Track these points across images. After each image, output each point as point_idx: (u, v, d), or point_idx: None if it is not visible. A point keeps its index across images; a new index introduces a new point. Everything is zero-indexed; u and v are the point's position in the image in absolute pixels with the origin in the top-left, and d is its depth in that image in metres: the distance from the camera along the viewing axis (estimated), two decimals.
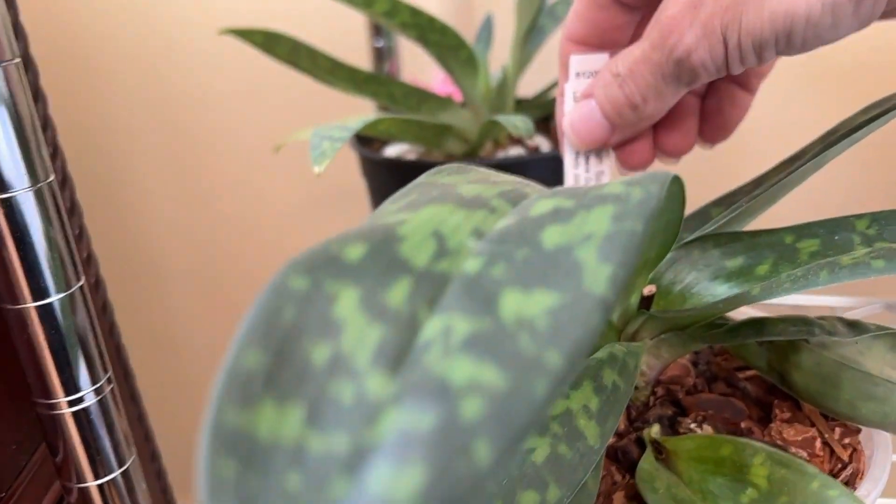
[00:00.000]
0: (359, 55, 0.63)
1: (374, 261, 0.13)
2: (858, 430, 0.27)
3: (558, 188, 0.17)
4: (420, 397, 0.11)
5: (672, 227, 0.23)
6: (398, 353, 0.12)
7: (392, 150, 0.51)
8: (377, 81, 0.46)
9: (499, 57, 0.53)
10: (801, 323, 0.25)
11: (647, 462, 0.24)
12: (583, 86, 0.32)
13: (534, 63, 0.52)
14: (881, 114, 0.28)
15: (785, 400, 0.28)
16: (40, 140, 0.26)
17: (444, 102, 0.49)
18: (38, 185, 0.26)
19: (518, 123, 0.41)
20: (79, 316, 0.26)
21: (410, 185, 0.18)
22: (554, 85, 0.54)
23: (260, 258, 0.76)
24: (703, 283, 0.26)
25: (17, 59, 0.25)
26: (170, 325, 0.79)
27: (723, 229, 0.27)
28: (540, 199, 0.16)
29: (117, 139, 0.72)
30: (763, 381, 0.29)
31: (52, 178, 0.26)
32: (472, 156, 0.48)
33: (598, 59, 0.32)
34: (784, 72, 0.62)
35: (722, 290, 0.26)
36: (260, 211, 0.73)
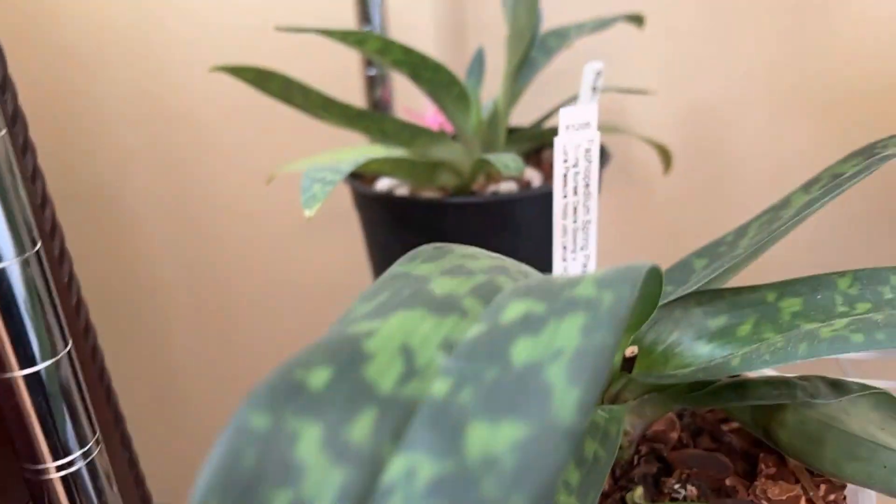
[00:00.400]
0: (352, 83, 0.63)
1: (340, 387, 0.14)
2: (843, 486, 0.27)
3: (532, 283, 0.17)
4: None
5: (651, 298, 0.23)
6: (361, 498, 0.12)
7: (384, 183, 0.51)
8: (369, 117, 0.46)
9: (491, 89, 0.53)
10: (783, 386, 0.25)
11: None
12: (573, 139, 0.32)
13: (527, 93, 0.52)
14: (863, 167, 0.28)
15: (770, 453, 0.29)
16: (25, 210, 0.26)
17: (435, 137, 0.49)
18: (25, 256, 0.26)
19: (509, 163, 0.41)
20: (66, 380, 0.26)
21: (385, 276, 0.19)
22: (547, 116, 0.54)
23: (257, 283, 0.76)
24: (686, 343, 0.26)
25: (3, 131, 0.25)
26: (163, 354, 0.80)
27: (705, 286, 0.27)
28: (512, 300, 0.16)
29: (109, 161, 0.72)
30: (748, 434, 0.30)
31: (38, 245, 0.27)
32: (464, 189, 0.48)
33: (589, 111, 0.32)
34: (775, 104, 0.62)
35: (705, 351, 0.26)
36: (255, 236, 0.73)
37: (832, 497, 0.27)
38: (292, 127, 0.68)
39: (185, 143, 0.71)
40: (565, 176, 0.32)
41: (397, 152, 0.49)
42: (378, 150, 0.50)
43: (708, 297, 0.27)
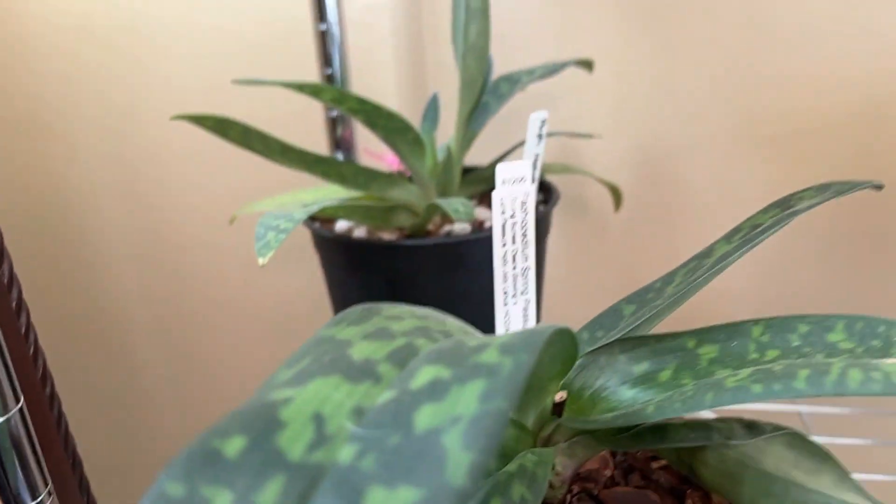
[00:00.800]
0: (317, 123, 0.65)
1: (252, 455, 0.15)
2: None
3: (445, 346, 0.19)
4: None
5: (568, 352, 0.24)
6: None
7: (342, 225, 0.52)
8: (326, 162, 0.48)
9: (448, 131, 0.55)
10: (700, 428, 0.27)
11: None
12: (509, 192, 0.34)
13: (482, 135, 0.54)
14: (779, 218, 0.30)
15: (697, 490, 0.30)
16: None
17: (392, 179, 0.50)
18: None
19: (458, 208, 0.43)
20: (17, 435, 0.27)
21: (311, 339, 0.20)
22: (502, 157, 0.56)
23: (223, 317, 0.77)
24: (612, 388, 0.28)
25: None
26: (125, 388, 0.80)
27: (630, 334, 0.29)
28: (423, 366, 0.18)
29: (75, 199, 0.73)
30: (677, 472, 0.31)
31: None
32: (420, 230, 0.50)
33: (523, 167, 0.34)
34: (724, 141, 0.64)
35: (629, 395, 0.28)
36: (221, 269, 0.74)
37: None
38: (257, 163, 0.69)
39: (152, 180, 0.72)
40: (503, 226, 0.33)
41: (355, 194, 0.51)
42: (337, 192, 0.52)
43: (632, 343, 0.29)
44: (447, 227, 0.51)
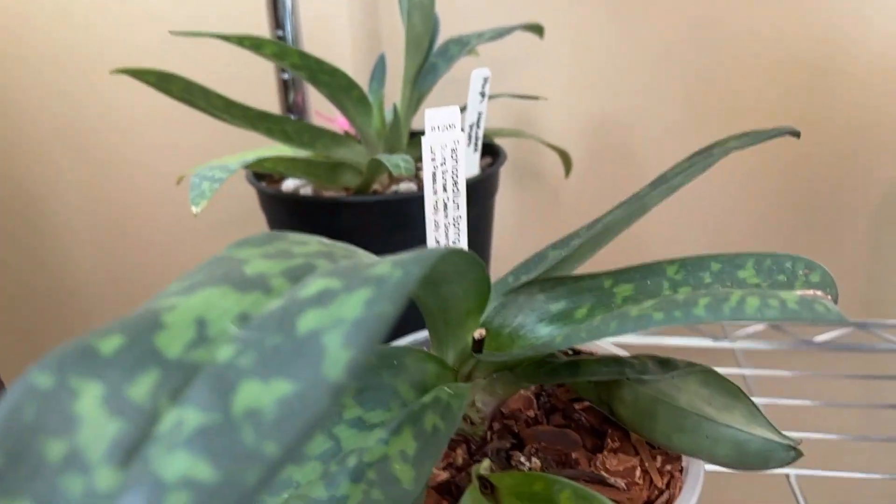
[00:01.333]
0: (270, 87, 0.64)
1: (128, 353, 0.15)
2: (679, 458, 0.30)
3: (344, 264, 0.19)
4: (137, 492, 0.13)
5: (481, 283, 0.25)
6: (133, 447, 0.14)
7: (290, 184, 0.52)
8: (269, 119, 0.48)
9: (398, 94, 0.55)
10: (613, 363, 0.28)
11: (468, 500, 0.26)
12: (439, 139, 0.34)
13: (432, 98, 0.55)
14: (700, 166, 0.31)
15: (617, 429, 0.31)
16: None
17: (338, 139, 0.50)
18: None
19: (399, 163, 0.43)
20: None
21: (208, 260, 0.20)
22: None
23: (174, 277, 0.76)
24: (529, 327, 0.29)
25: None
26: None
27: (549, 274, 0.30)
28: (316, 279, 0.18)
29: (28, 163, 0.72)
30: (598, 412, 0.32)
31: None
32: (366, 189, 0.50)
33: (452, 113, 0.34)
34: (679, 107, 0.65)
35: (545, 332, 0.28)
36: (174, 234, 0.74)
37: (668, 467, 0.29)
38: (213, 125, 0.69)
39: (105, 140, 0.71)
40: (434, 174, 0.34)
41: (302, 153, 0.51)
42: (284, 152, 0.52)
43: (551, 284, 0.29)
44: (394, 187, 0.51)
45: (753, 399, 0.54)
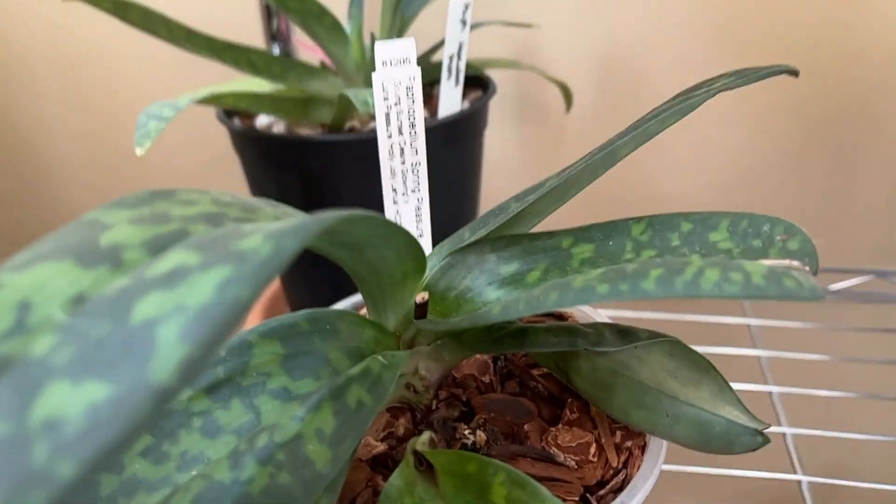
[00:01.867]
0: (252, 14, 0.60)
1: None
2: (642, 433, 0.27)
3: (216, 233, 0.17)
4: None
5: (412, 246, 0.22)
6: None
7: (263, 121, 0.49)
8: (235, 49, 0.44)
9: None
10: (564, 333, 0.25)
11: (398, 478, 0.23)
12: (391, 75, 0.31)
13: (418, 27, 0.51)
14: (680, 109, 0.27)
15: (577, 399, 0.28)
16: None
17: (312, 70, 0.47)
18: None
19: (367, 99, 0.39)
20: None
21: (71, 223, 0.18)
22: (432, 51, 0.52)
23: None
24: (477, 290, 0.26)
25: None
26: None
27: (505, 229, 0.27)
28: (174, 252, 0.16)
29: (21, 103, 0.70)
30: (559, 380, 0.29)
31: None
32: (340, 127, 0.47)
33: (406, 45, 0.30)
34: (688, 40, 0.60)
35: (494, 297, 0.26)
36: (154, 174, 0.72)
37: (628, 443, 0.27)
38: (196, 61, 0.66)
39: (97, 77, 0.68)
40: (387, 115, 0.30)
41: (272, 87, 0.48)
42: (259, 86, 0.49)
43: (504, 242, 0.26)
44: (373, 124, 0.48)
45: (757, 351, 0.51)
